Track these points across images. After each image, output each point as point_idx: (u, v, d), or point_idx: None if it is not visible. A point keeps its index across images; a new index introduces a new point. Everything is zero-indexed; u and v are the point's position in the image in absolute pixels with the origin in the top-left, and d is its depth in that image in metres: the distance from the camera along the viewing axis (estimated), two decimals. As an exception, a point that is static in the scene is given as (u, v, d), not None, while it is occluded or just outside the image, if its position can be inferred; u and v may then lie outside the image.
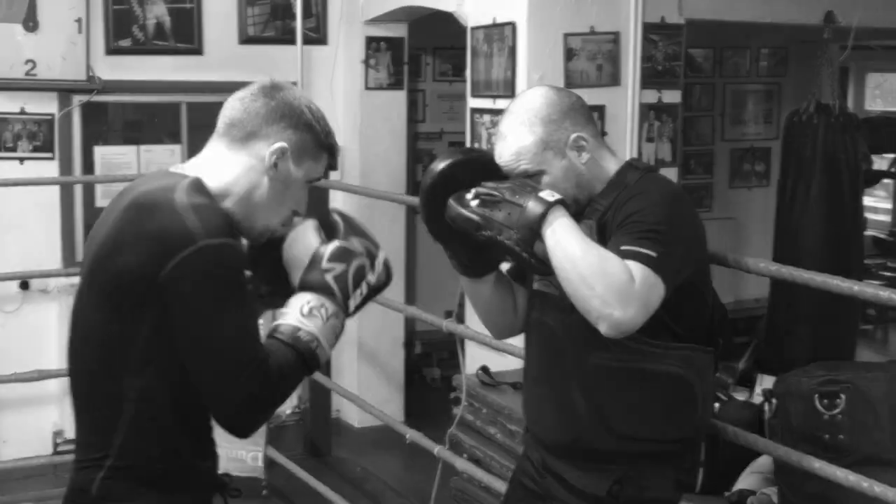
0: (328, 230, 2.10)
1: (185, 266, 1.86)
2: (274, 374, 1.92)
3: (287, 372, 1.94)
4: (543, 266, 2.19)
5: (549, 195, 2.19)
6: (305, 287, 2.01)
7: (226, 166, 2.05)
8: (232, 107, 2.08)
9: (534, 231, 2.16)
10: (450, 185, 2.28)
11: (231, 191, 2.04)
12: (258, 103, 2.06)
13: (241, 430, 1.97)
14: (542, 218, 2.15)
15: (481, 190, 2.23)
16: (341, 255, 2.04)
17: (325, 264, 2.02)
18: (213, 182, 2.02)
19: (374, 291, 2.08)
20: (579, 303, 2.13)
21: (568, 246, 2.13)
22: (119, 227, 1.95)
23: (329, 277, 2.01)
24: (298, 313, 1.98)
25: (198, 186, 1.99)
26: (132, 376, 1.94)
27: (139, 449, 1.98)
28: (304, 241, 2.09)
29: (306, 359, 1.96)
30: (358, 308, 2.07)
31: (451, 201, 2.26)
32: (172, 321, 1.89)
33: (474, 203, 2.22)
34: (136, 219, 1.94)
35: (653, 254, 2.12)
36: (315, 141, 2.09)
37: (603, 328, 2.10)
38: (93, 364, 1.99)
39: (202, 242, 1.87)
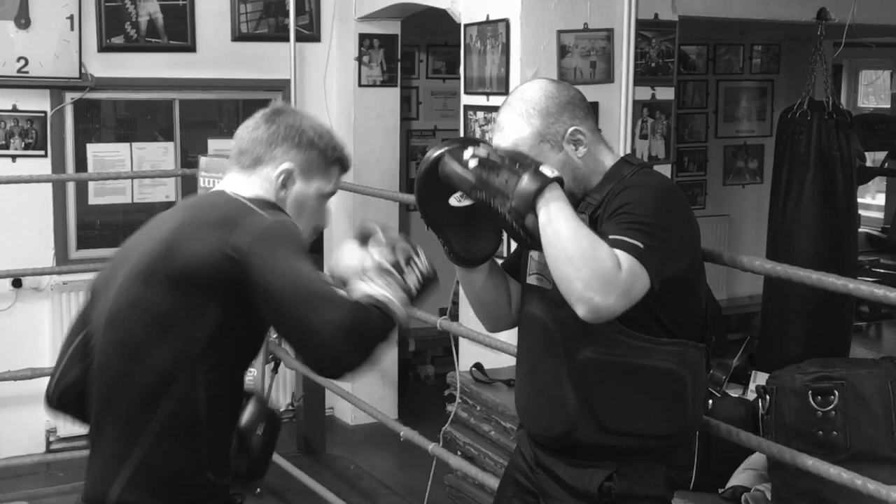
0: (365, 239, 2.15)
1: (251, 226, 1.97)
2: (359, 309, 1.94)
3: (365, 314, 1.95)
4: (531, 240, 2.17)
5: (549, 171, 2.16)
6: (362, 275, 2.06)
7: (245, 190, 2.14)
8: (240, 137, 2.21)
9: (529, 203, 2.13)
10: None
11: None
12: (260, 130, 2.18)
13: (336, 364, 1.95)
14: (539, 192, 2.13)
15: (480, 151, 2.20)
16: (389, 241, 2.10)
17: (374, 254, 2.08)
18: None
19: (428, 280, 2.10)
20: (562, 283, 2.11)
21: (560, 225, 2.10)
22: (176, 228, 2.03)
23: (380, 259, 2.07)
24: (363, 286, 2.02)
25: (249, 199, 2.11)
26: (187, 371, 1.98)
27: (164, 456, 2.01)
28: (347, 248, 2.15)
29: (381, 308, 1.97)
30: (419, 293, 2.07)
31: (446, 158, 2.22)
32: (248, 280, 1.93)
33: (472, 163, 2.20)
34: (195, 215, 2.05)
35: (640, 245, 2.11)
36: (321, 157, 2.19)
37: (581, 311, 2.09)
38: (149, 357, 2.00)
39: (265, 214, 2.02)
